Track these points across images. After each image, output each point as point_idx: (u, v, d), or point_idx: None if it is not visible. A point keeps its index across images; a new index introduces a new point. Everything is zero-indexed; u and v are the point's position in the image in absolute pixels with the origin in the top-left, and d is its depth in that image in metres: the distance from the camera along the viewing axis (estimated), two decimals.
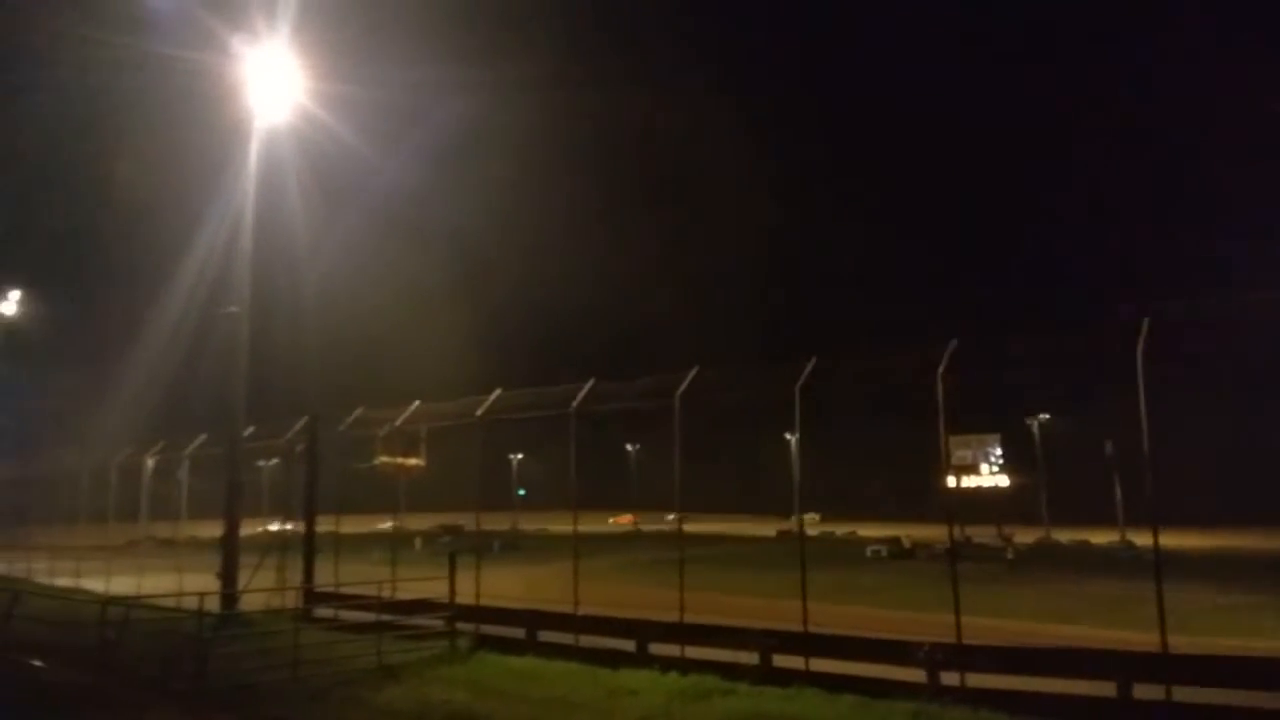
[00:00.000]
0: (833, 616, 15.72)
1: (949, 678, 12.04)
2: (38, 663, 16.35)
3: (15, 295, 42.29)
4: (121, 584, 26.20)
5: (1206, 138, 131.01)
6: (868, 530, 71.56)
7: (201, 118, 23.78)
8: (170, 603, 18.33)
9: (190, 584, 20.88)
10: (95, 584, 27.25)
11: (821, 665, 13.23)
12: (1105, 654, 12.07)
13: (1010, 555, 43.10)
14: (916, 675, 12.26)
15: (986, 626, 16.15)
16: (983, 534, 55.58)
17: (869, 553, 51.76)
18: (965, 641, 12.37)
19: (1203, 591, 27.42)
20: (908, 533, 58.30)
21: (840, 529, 74.67)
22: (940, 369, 13.32)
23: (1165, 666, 10.85)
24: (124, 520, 33.17)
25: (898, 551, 52.57)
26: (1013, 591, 29.45)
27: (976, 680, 11.85)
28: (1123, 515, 62.11)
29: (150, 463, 29.75)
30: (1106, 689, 11.05)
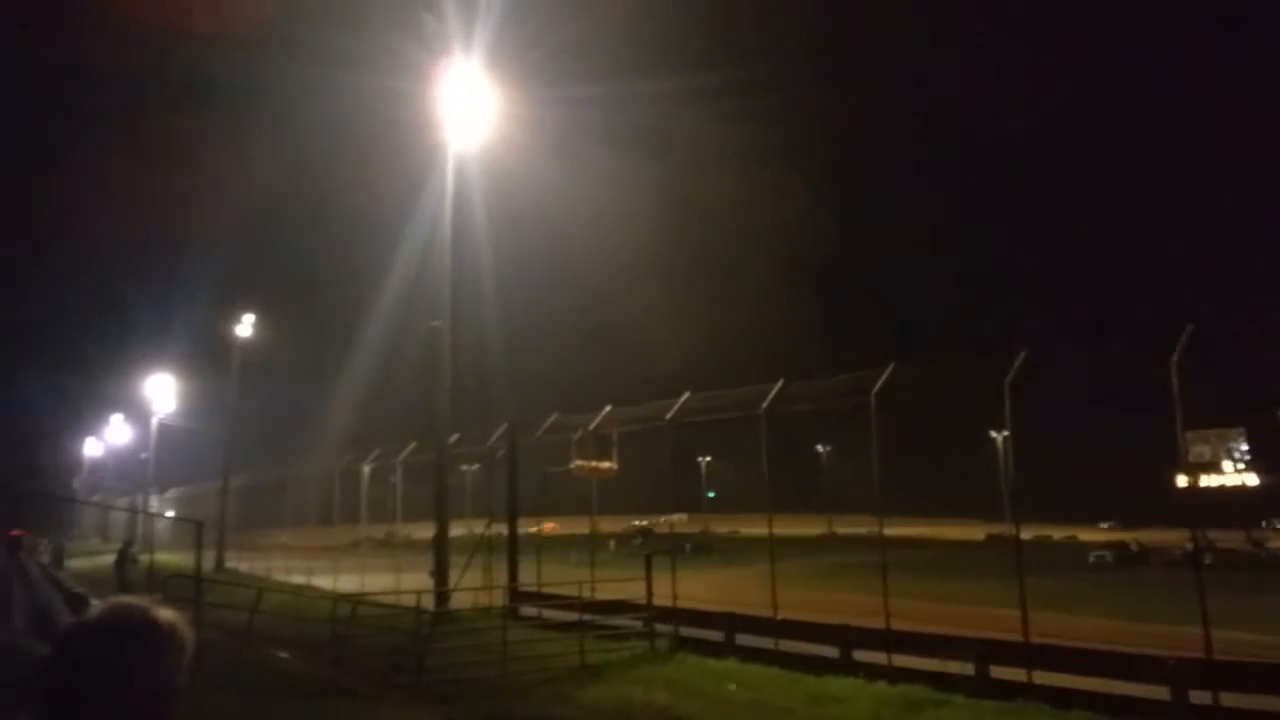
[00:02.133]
0: (1054, 626, 14.51)
1: (1198, 696, 10.80)
2: (283, 654, 17.74)
3: (249, 318, 46.46)
4: (347, 582, 28.09)
5: None
6: (1089, 535, 66.60)
7: (405, 143, 25.35)
8: (390, 599, 19.46)
9: (407, 582, 22.14)
10: (324, 581, 29.17)
11: (1045, 678, 12.22)
12: None
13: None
14: (1158, 692, 11.08)
15: (1243, 641, 14.40)
16: (1227, 538, 50.26)
17: (1092, 558, 47.90)
18: (1217, 657, 11.08)
19: None
20: (1135, 537, 53.70)
21: (1057, 532, 69.84)
22: (1174, 357, 12.03)
23: None
24: (346, 522, 35.79)
25: (1125, 557, 48.36)
26: (1271, 602, 26.32)
27: (1232, 700, 10.56)
28: None
29: (367, 469, 31.89)
30: None
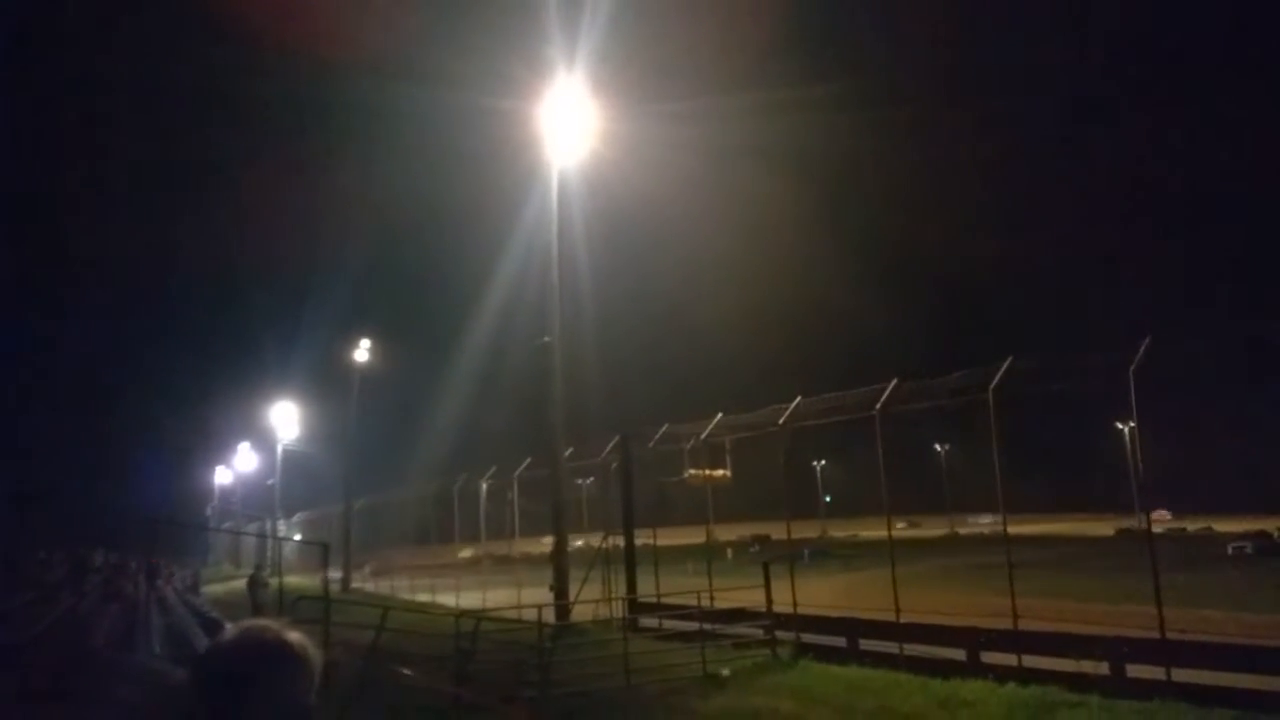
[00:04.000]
0: (1192, 622, 13.93)
1: None
2: (406, 671, 18.36)
3: (366, 343, 48.18)
4: (469, 598, 28.79)
5: None
6: (1226, 525, 62.94)
7: (510, 162, 26.11)
8: (511, 614, 19.95)
9: (527, 597, 22.64)
10: (447, 598, 29.94)
11: (1184, 675, 11.75)
12: None
13: None
14: None
15: None
16: None
17: (1231, 550, 45.40)
18: None
19: None
20: (1278, 526, 50.54)
21: (1192, 525, 66.29)
22: None
23: None
24: (466, 540, 36.79)
25: (1267, 548, 45.64)
26: None
27: None
28: None
29: (485, 486, 32.79)
30: None
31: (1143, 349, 13.27)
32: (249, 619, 1.96)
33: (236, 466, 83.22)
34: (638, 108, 25.12)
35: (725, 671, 15.15)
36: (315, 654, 1.77)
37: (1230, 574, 32.44)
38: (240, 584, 28.89)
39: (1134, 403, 13.56)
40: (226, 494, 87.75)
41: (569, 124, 22.86)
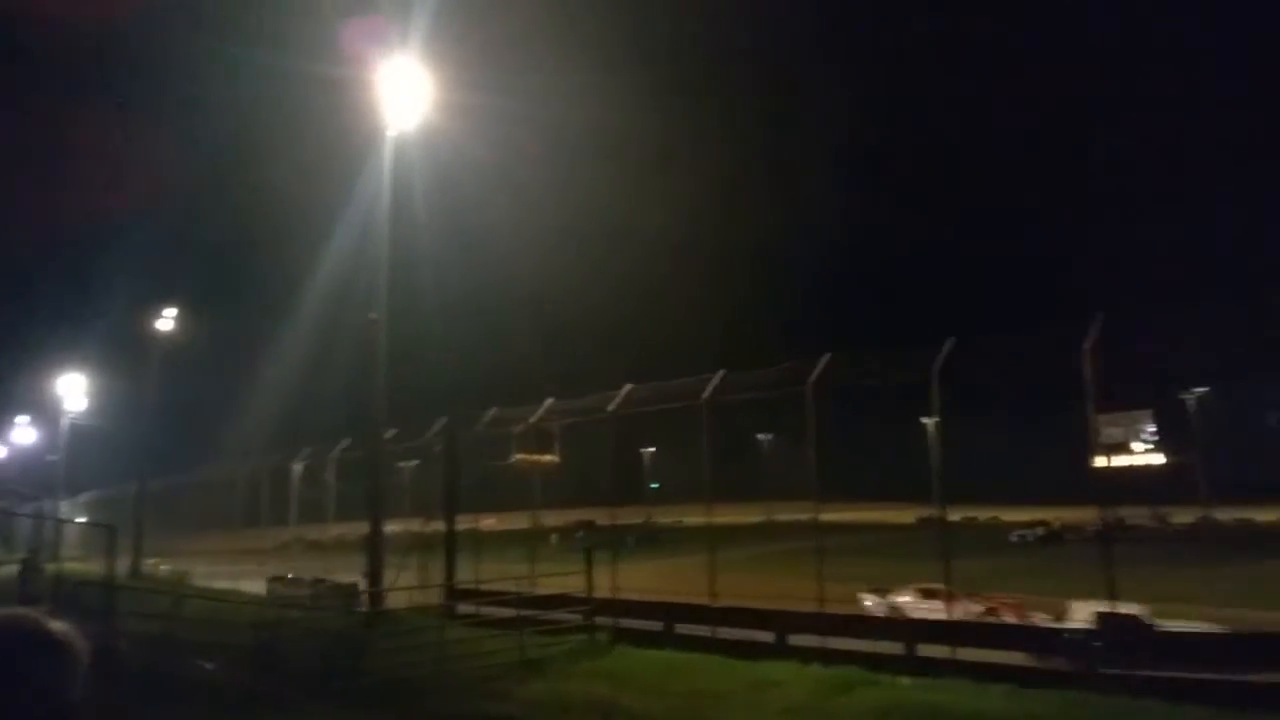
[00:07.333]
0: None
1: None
2: (208, 665, 17.28)
3: (171, 312, 44.71)
4: None
5: None
6: (1012, 515, 68.70)
7: (336, 132, 24.89)
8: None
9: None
10: (251, 586, 28.51)
11: (968, 654, 12.71)
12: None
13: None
14: (1072, 664, 11.65)
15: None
16: (1136, 514, 52.58)
17: (1014, 538, 49.73)
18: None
19: None
20: (1056, 516, 55.71)
21: (983, 514, 71.95)
22: (1086, 345, 12.61)
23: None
24: (276, 524, 35.03)
25: (1045, 536, 50.34)
26: (1173, 574, 27.58)
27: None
28: None
29: (298, 468, 31.31)
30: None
31: (944, 351, 14.18)
32: (8, 608, 1.78)
33: (13, 440, 75.69)
34: (476, 81, 24.47)
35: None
36: (81, 645, 1.66)
37: (1013, 559, 35.47)
38: (11, 569, 26.26)
39: (935, 400, 14.47)
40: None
41: (403, 94, 21.98)
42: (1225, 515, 58.58)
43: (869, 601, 19.28)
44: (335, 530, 31.62)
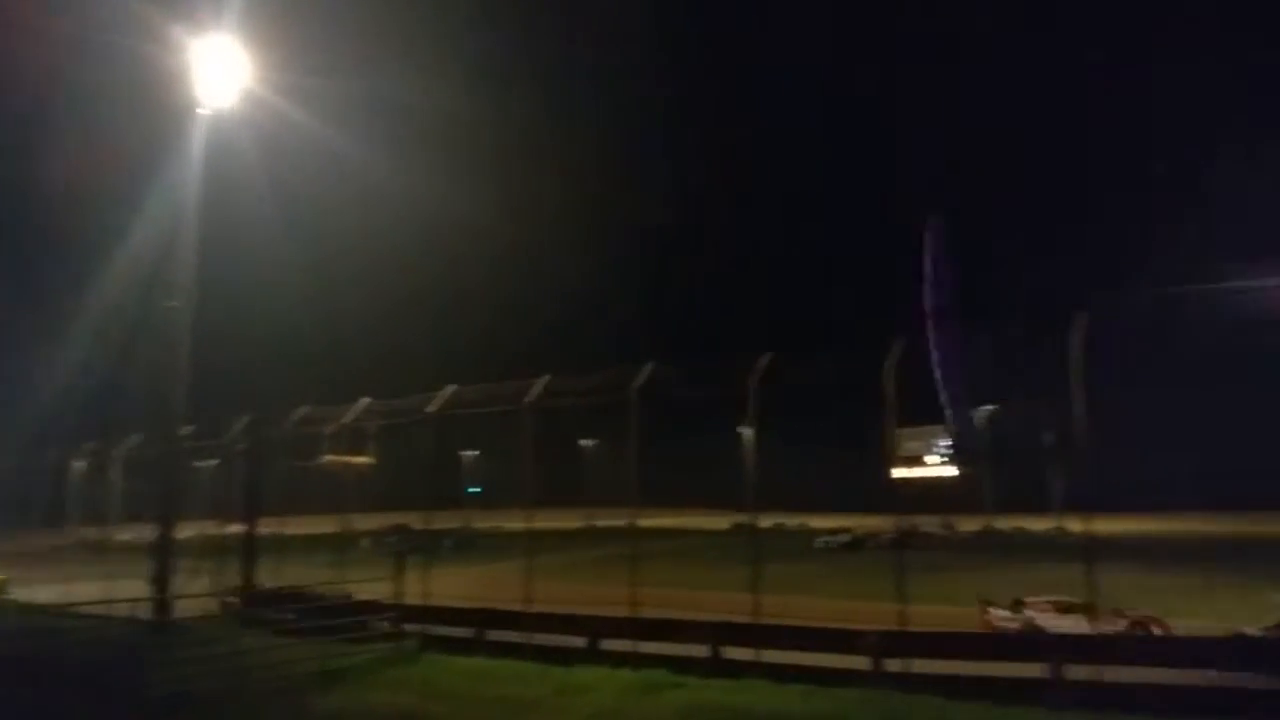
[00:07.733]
0: (784, 607, 15.76)
1: (894, 664, 12.15)
2: None
3: None
4: (48, 592, 25.22)
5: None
6: (820, 522, 72.25)
7: (141, 108, 23.07)
8: (101, 610, 17.67)
9: (121, 590, 20.14)
10: (19, 593, 26.16)
11: (771, 656, 13.22)
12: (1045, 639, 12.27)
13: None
14: (863, 663, 12.35)
15: (930, 613, 16.25)
16: (929, 523, 56.75)
17: (819, 544, 52.46)
18: (909, 629, 12.49)
19: (1132, 574, 28.05)
20: (859, 524, 59.07)
21: (793, 521, 75.29)
22: (887, 364, 13.47)
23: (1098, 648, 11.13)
24: (50, 525, 32.02)
25: (847, 542, 53.40)
26: (958, 578, 29.85)
27: (921, 665, 11.95)
28: (1060, 503, 63.54)
29: (78, 465, 28.74)
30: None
31: (763, 364, 14.75)
32: None
33: None
34: (306, 63, 23.32)
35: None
36: None
37: (818, 564, 37.33)
38: None
39: (753, 411, 15.01)
40: None
41: (215, 71, 20.65)
42: (1004, 524, 64.11)
43: (999, 616, 19.32)
44: (121, 533, 29.21)
